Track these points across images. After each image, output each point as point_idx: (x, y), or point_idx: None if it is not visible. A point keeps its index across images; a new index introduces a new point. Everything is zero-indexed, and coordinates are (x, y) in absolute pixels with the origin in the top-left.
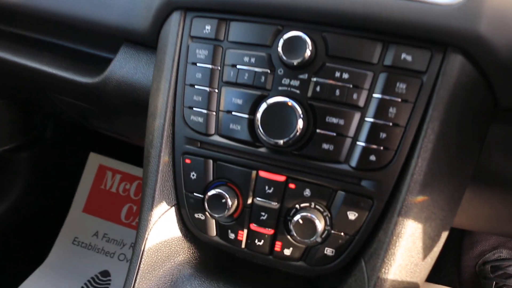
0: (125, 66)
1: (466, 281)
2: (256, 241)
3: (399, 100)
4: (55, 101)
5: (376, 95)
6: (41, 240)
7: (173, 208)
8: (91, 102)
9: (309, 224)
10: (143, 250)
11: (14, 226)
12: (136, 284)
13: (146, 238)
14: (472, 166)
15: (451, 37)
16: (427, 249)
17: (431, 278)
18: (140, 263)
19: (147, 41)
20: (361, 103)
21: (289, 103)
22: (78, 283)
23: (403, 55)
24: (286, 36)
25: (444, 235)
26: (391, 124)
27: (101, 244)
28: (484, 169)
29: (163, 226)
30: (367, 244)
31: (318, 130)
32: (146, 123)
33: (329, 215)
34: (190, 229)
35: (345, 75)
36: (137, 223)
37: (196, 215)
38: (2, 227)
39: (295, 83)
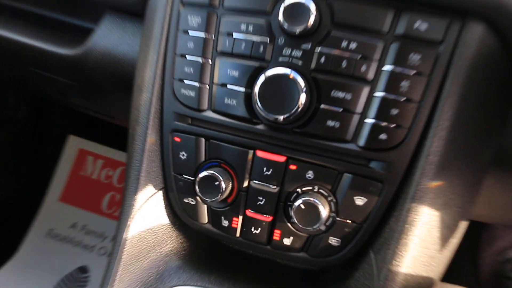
0: (109, 37)
1: (485, 281)
2: (253, 229)
3: (413, 72)
4: (32, 77)
5: (387, 67)
6: (12, 231)
7: (160, 192)
8: (72, 76)
9: (312, 210)
10: (126, 238)
11: None
12: (117, 277)
13: (129, 225)
14: (492, 148)
15: (472, 2)
16: (443, 240)
17: (445, 277)
18: (122, 254)
19: (133, 9)
20: (370, 76)
21: (291, 76)
22: (52, 281)
23: (417, 23)
24: (287, 1)
25: (463, 225)
26: (403, 99)
27: (80, 237)
28: (506, 152)
29: (148, 212)
30: (377, 233)
31: (322, 106)
32: (132, 99)
33: (334, 200)
34: (179, 215)
35: (353, 45)
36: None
37: (185, 200)
38: None
39: (297, 53)
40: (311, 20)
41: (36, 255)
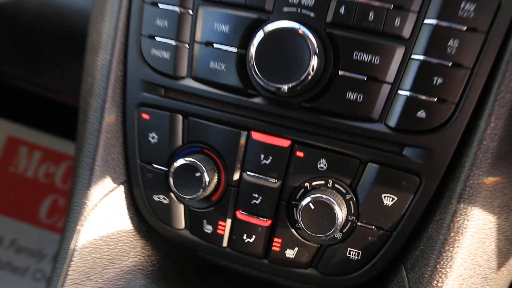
0: None
1: None
2: (245, 236)
3: (464, 28)
4: None
5: (429, 21)
6: None
7: (121, 186)
8: (2, 33)
9: (325, 211)
10: (74, 249)
11: None
12: None
13: (79, 231)
14: None
15: None
16: (502, 256)
17: None
18: (67, 269)
19: None
20: (407, 32)
21: (300, 31)
22: None
23: None
24: None
25: None
26: (450, 64)
27: (8, 256)
28: None
29: (105, 214)
30: (411, 244)
31: (341, 72)
32: (84, 63)
33: (354, 198)
34: (146, 218)
35: None
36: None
37: (156, 198)
38: None
39: (308, 1)
40: None
41: None
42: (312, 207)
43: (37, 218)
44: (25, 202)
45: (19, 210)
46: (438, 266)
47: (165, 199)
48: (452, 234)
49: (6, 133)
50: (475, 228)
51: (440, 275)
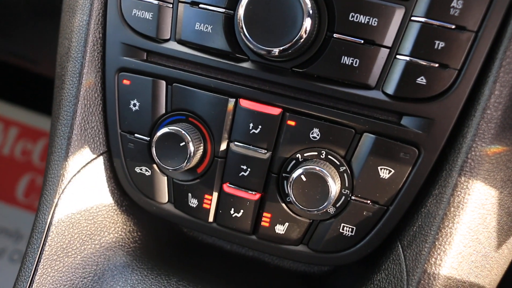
0: None
1: None
2: (232, 211)
3: None
4: None
5: None
6: None
7: (101, 157)
8: None
9: (317, 184)
10: (50, 223)
11: None
12: (35, 279)
13: (56, 205)
14: None
15: None
16: (504, 233)
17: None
18: (43, 245)
19: None
20: None
21: None
22: None
23: None
24: None
25: None
26: (453, 26)
27: None
28: None
29: (83, 187)
30: (408, 219)
31: (336, 35)
32: (60, 26)
33: (348, 171)
34: (127, 191)
35: None
36: None
37: (137, 170)
38: None
39: None
40: None
41: None
42: (304, 179)
43: (14, 198)
44: (1, 181)
45: None
46: (436, 243)
47: (148, 171)
48: (452, 209)
49: None
50: (476, 203)
51: (438, 252)
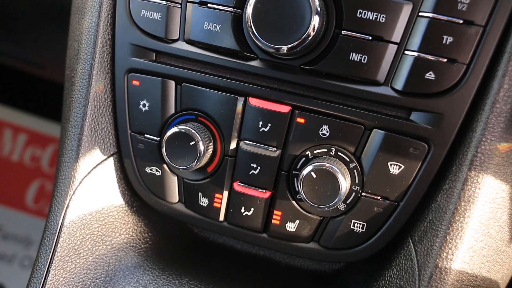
0: None
1: None
2: (243, 209)
3: None
4: None
5: None
6: None
7: (111, 158)
8: None
9: (327, 180)
10: (61, 224)
11: None
12: (48, 280)
13: (67, 206)
14: None
15: None
16: None
17: None
18: (55, 246)
19: None
20: None
21: None
22: None
23: None
24: None
25: None
26: (461, 21)
27: None
28: None
29: (94, 188)
30: (418, 214)
31: (344, 32)
32: (69, 28)
33: (358, 167)
34: (138, 192)
35: None
36: None
37: (147, 170)
38: None
39: None
40: None
41: None
42: (314, 176)
43: (24, 204)
44: (11, 188)
45: (5, 196)
46: (447, 238)
47: (158, 171)
48: (463, 203)
49: None
50: (487, 197)
51: (450, 246)
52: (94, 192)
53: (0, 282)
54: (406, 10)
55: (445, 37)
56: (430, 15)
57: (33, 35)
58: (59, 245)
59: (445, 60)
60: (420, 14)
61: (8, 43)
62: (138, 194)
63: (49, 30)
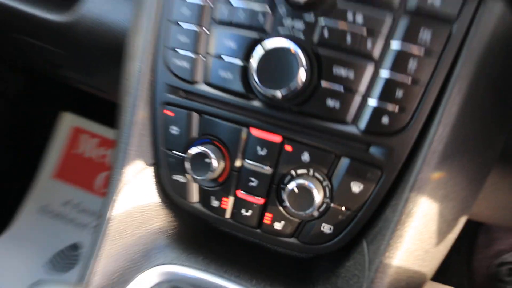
0: (101, 2)
1: (478, 283)
2: (243, 211)
3: (422, 52)
4: (20, 45)
5: (394, 45)
6: (5, 206)
7: (151, 168)
8: (60, 44)
9: (306, 194)
10: (112, 213)
11: None
12: (102, 252)
13: (115, 200)
14: (501, 141)
15: None
16: (441, 235)
17: (437, 277)
18: (107, 229)
19: None
20: (376, 53)
21: (292, 50)
22: (44, 257)
23: None
24: None
25: (462, 220)
26: (410, 80)
27: (73, 215)
28: None
29: (137, 188)
30: (371, 222)
31: (323, 84)
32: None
33: (329, 185)
34: (169, 193)
35: (359, 19)
36: None
37: (175, 177)
38: None
39: (299, 25)
40: None
41: (28, 230)
42: (296, 190)
43: (94, 188)
44: (86, 176)
45: (82, 182)
46: (391, 241)
47: (183, 179)
48: (404, 216)
49: (71, 124)
50: (422, 213)
51: (392, 248)
52: (136, 191)
53: (77, 242)
54: (370, 69)
55: (398, 91)
56: (387, 74)
57: (100, 71)
58: (109, 228)
59: (397, 109)
60: (380, 73)
61: (80, 74)
62: (168, 194)
63: (111, 68)
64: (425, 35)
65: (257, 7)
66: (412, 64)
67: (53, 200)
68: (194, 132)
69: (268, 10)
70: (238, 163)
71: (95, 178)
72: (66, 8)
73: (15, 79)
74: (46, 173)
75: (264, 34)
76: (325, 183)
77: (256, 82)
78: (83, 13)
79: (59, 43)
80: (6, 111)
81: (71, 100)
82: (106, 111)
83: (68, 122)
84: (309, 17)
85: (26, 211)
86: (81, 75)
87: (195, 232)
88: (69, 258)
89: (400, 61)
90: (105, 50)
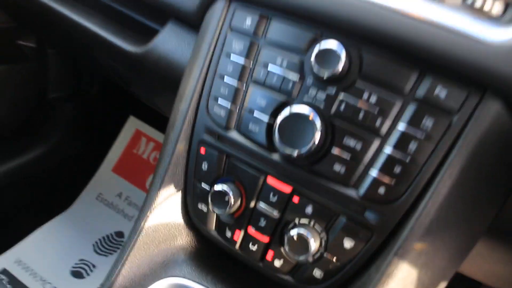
0: (168, 42)
1: None
2: (250, 245)
3: (423, 136)
4: (101, 61)
5: (400, 126)
6: (69, 189)
7: (179, 193)
8: (132, 70)
9: (303, 242)
10: (143, 227)
11: (49, 169)
12: (129, 257)
13: (148, 216)
14: (489, 220)
15: (493, 79)
16: None
17: None
18: (137, 238)
19: (192, 22)
20: (383, 131)
21: (310, 117)
22: (92, 238)
23: (438, 90)
24: (322, 45)
25: (441, 285)
26: (408, 159)
27: (122, 206)
28: (504, 224)
29: (166, 208)
30: (357, 275)
31: (333, 150)
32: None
33: (325, 237)
34: (192, 217)
35: (373, 99)
36: None
37: (199, 206)
38: (39, 169)
39: (321, 96)
40: (340, 67)
41: (83, 213)
42: (295, 238)
43: (144, 186)
44: (139, 174)
45: (135, 178)
46: None
47: (205, 208)
48: (384, 277)
49: (135, 127)
50: (402, 276)
51: None
52: (165, 212)
53: (121, 230)
54: (375, 144)
55: (396, 167)
56: (390, 150)
57: (160, 94)
58: (139, 238)
59: (393, 182)
60: (383, 149)
61: (146, 94)
62: (192, 218)
63: (167, 95)
64: (428, 121)
65: (288, 74)
66: (412, 145)
67: (109, 190)
68: (220, 171)
69: (297, 79)
70: (252, 204)
71: (147, 177)
72: (142, 42)
73: (95, 84)
74: (108, 166)
75: (291, 98)
76: (322, 235)
77: (277, 139)
78: (153, 48)
79: (132, 68)
80: (85, 107)
81: (138, 106)
82: (164, 121)
83: (132, 124)
84: (331, 90)
85: (85, 196)
86: (145, 94)
87: (209, 253)
88: (113, 243)
89: (402, 141)
90: (165, 80)
